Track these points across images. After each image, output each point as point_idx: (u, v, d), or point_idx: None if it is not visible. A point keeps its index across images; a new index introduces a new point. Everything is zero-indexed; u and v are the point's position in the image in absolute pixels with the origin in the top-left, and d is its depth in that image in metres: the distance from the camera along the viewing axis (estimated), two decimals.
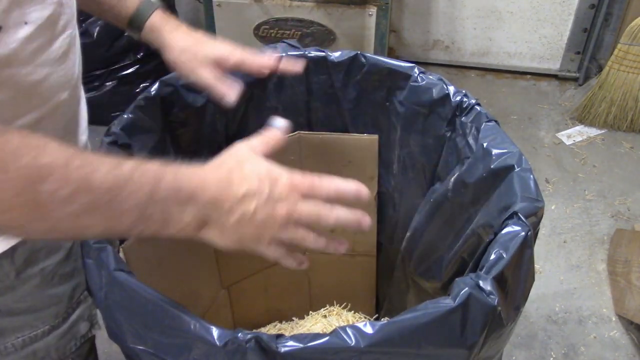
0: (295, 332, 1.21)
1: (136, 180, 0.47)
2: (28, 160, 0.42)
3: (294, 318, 1.25)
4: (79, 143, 0.70)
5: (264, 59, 0.80)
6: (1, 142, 0.42)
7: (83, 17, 1.90)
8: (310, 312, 1.25)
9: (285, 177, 0.56)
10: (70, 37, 0.61)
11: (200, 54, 0.76)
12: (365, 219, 0.59)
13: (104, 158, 0.47)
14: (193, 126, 0.93)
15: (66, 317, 0.70)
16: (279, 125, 0.65)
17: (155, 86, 0.85)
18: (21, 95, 0.55)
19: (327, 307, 1.26)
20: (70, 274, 0.69)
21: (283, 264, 0.59)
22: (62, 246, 0.66)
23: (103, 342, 1.05)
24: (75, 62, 0.64)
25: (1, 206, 0.42)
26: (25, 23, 0.53)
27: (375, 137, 0.99)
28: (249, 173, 0.55)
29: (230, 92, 0.77)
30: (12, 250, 0.60)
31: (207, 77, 0.77)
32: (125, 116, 0.80)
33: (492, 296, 0.56)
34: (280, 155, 1.01)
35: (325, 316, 1.24)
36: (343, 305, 1.25)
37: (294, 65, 0.83)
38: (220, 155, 0.57)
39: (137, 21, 0.78)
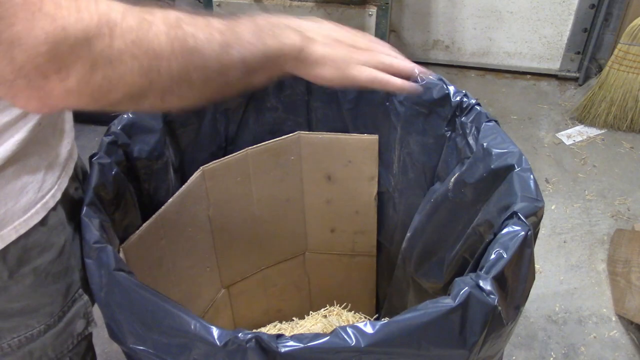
0: (296, 332, 1.22)
1: (240, 23, 0.54)
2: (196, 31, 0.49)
3: (294, 318, 1.25)
4: (64, 138, 0.69)
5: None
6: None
7: None
8: (311, 312, 1.26)
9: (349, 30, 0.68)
10: None
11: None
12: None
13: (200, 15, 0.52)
14: (193, 126, 0.93)
15: (62, 316, 0.70)
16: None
17: None
18: None
19: (327, 307, 1.26)
20: (64, 272, 0.69)
21: (380, 85, 0.67)
22: (54, 244, 0.66)
23: (103, 342, 1.04)
24: None
25: (161, 53, 0.46)
26: None
27: (375, 137, 0.99)
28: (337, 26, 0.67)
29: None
30: (4, 251, 0.60)
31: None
32: (125, 116, 0.80)
33: (492, 296, 0.56)
34: (280, 155, 1.02)
35: (325, 316, 1.24)
36: (343, 305, 1.25)
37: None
38: None
39: None
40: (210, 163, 0.96)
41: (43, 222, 0.62)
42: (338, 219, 1.11)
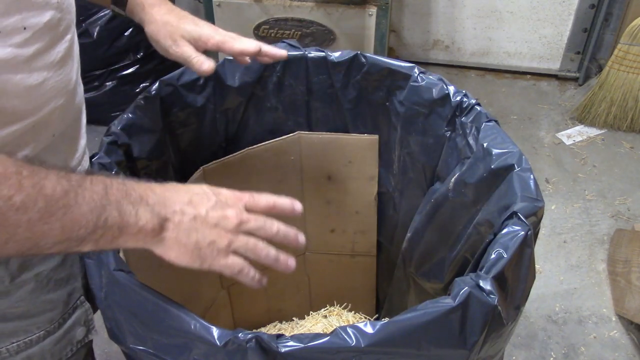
0: (296, 332, 1.22)
1: (87, 186, 0.48)
2: None
3: (294, 318, 1.25)
4: (79, 148, 0.70)
5: (245, 44, 0.77)
6: None
7: (83, 17, 1.90)
8: (311, 312, 1.25)
9: (227, 190, 0.58)
10: (69, 42, 0.61)
11: (182, 29, 0.75)
12: (301, 236, 0.60)
13: (50, 168, 0.47)
14: (193, 126, 0.93)
15: (62, 323, 0.70)
16: None
17: (155, 86, 0.85)
18: (17, 100, 0.55)
19: (328, 307, 1.26)
20: (66, 279, 0.69)
21: (242, 280, 0.58)
22: None
23: (103, 342, 1.04)
24: (73, 68, 0.64)
25: None
26: (24, 28, 0.53)
27: (375, 137, 0.99)
28: (191, 187, 0.57)
29: (207, 61, 0.74)
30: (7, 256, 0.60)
31: (186, 49, 0.74)
32: (125, 116, 0.80)
33: (492, 296, 0.56)
34: (280, 155, 1.02)
35: (325, 316, 1.24)
36: (343, 305, 1.25)
37: (276, 53, 0.80)
38: None
39: None
40: (211, 163, 0.96)
41: None
42: (338, 219, 1.11)
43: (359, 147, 1.01)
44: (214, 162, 0.96)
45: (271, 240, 0.58)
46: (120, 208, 0.49)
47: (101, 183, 0.49)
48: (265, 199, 0.59)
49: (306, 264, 1.18)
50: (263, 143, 0.99)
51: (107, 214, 0.48)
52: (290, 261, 0.59)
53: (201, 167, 0.95)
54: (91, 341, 0.75)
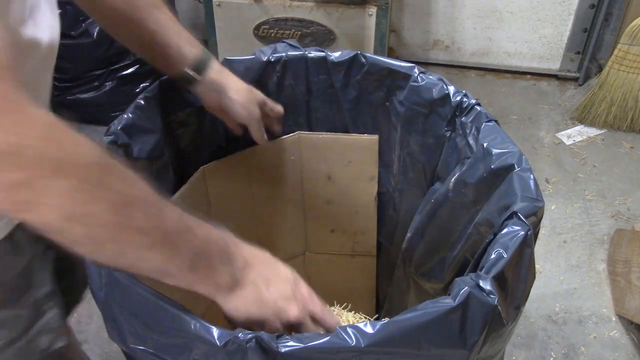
0: None
1: (194, 231, 0.53)
2: (125, 187, 0.47)
3: None
4: None
5: (279, 110, 0.92)
6: (109, 164, 0.46)
7: (83, 17, 1.90)
8: None
9: (307, 289, 0.63)
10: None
11: (258, 95, 0.87)
12: None
13: (172, 205, 0.51)
14: (193, 126, 0.93)
15: (25, 332, 0.67)
16: None
17: (155, 86, 0.85)
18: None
19: (328, 307, 1.26)
20: (28, 286, 0.67)
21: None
22: (19, 260, 0.65)
23: (103, 342, 1.04)
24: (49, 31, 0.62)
25: (94, 219, 0.44)
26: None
27: (375, 137, 0.99)
28: (279, 267, 0.62)
29: (265, 135, 0.90)
30: None
31: (258, 114, 0.87)
32: (125, 116, 0.80)
33: (492, 296, 0.56)
34: (280, 155, 1.02)
35: None
36: (343, 305, 1.25)
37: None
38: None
39: (202, 64, 0.82)
40: (211, 163, 0.96)
41: (9, 236, 0.61)
42: (338, 219, 1.11)
43: (359, 147, 1.01)
44: (214, 162, 0.96)
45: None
46: (209, 263, 0.54)
47: (205, 232, 0.54)
48: (333, 324, 0.61)
49: (306, 264, 1.18)
50: None
51: (198, 264, 0.53)
52: None
53: (201, 167, 0.95)
54: (66, 349, 0.73)
